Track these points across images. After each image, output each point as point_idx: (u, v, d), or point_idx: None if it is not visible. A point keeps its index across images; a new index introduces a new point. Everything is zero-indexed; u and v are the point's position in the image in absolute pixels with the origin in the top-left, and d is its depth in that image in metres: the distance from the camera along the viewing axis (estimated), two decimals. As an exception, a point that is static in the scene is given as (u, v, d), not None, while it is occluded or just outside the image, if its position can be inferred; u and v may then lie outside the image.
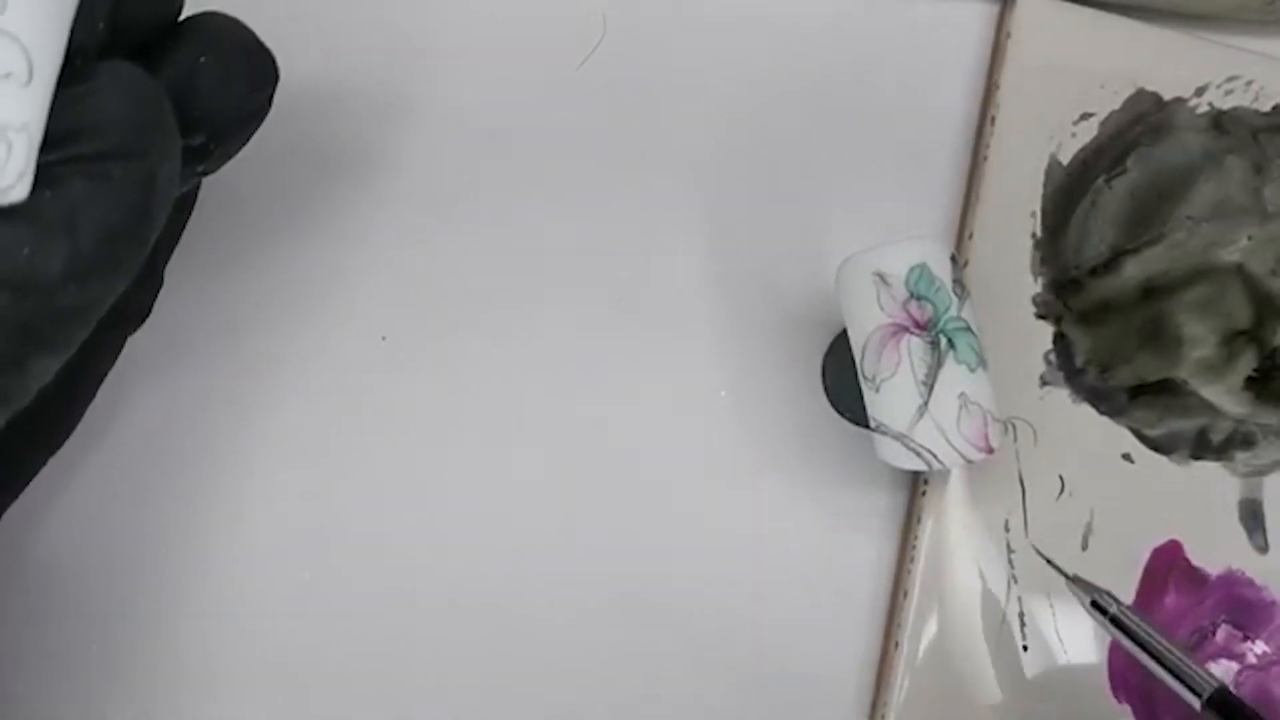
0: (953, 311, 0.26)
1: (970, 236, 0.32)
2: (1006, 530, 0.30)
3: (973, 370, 0.26)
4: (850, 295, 0.27)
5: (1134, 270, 0.32)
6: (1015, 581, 0.30)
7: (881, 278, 0.26)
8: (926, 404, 0.26)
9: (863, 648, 0.31)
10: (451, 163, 0.31)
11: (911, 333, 0.26)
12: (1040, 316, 0.31)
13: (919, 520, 0.30)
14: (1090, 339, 0.31)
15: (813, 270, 0.32)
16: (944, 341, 0.26)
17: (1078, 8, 0.33)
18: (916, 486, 0.31)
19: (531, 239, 0.31)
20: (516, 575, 0.30)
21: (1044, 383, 0.31)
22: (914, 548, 0.30)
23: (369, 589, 0.29)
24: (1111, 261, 0.32)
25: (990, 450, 0.26)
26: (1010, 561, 0.30)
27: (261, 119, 0.22)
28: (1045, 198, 0.32)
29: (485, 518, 0.30)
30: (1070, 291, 0.32)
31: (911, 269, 0.26)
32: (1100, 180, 0.32)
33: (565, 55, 0.32)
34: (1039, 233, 0.32)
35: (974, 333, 0.26)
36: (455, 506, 0.30)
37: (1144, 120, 0.33)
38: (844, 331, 0.27)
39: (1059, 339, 0.31)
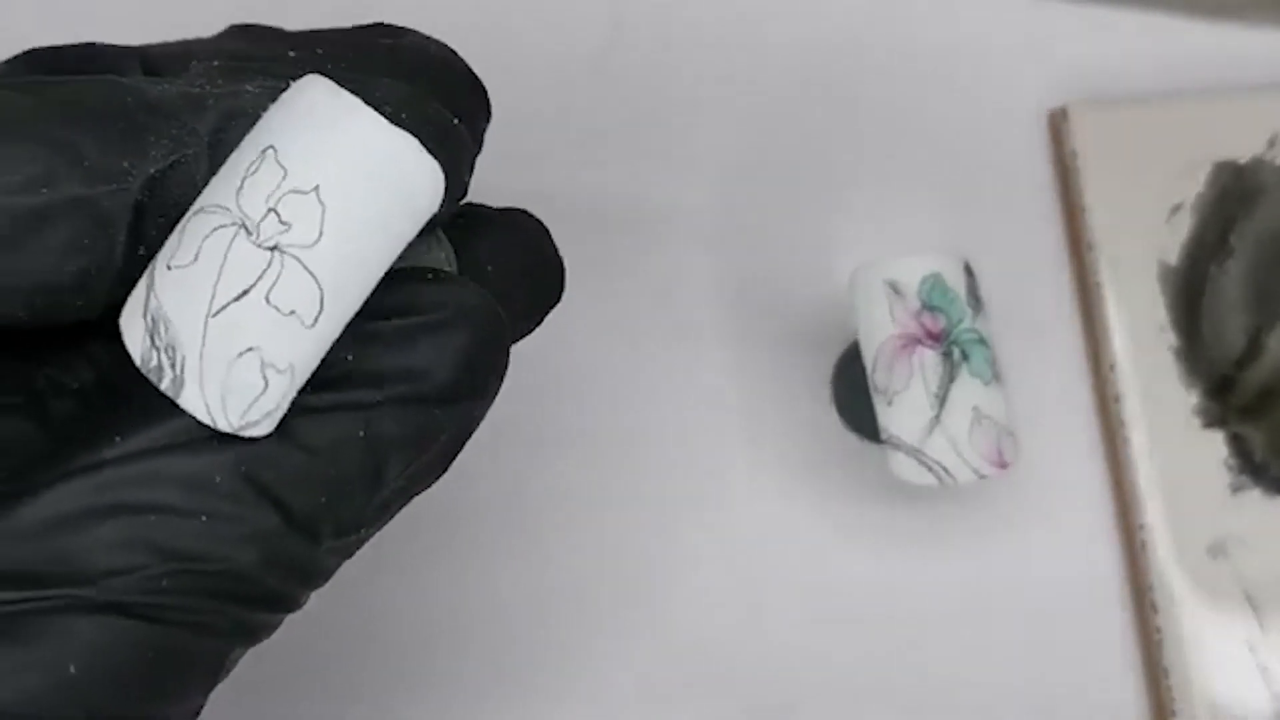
0: (966, 323, 0.26)
1: (1112, 368, 0.31)
2: (1251, 651, 0.30)
3: (986, 384, 0.26)
4: (862, 305, 0.27)
5: (1278, 347, 0.31)
6: (1280, 700, 0.29)
7: (894, 287, 0.26)
8: (939, 417, 0.25)
9: (867, 661, 0.30)
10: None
11: (924, 344, 0.26)
12: (1207, 426, 0.31)
13: (1166, 673, 0.29)
14: (1262, 430, 0.31)
15: (825, 280, 0.32)
16: (957, 354, 0.26)
17: (1126, 104, 0.33)
18: (1150, 637, 0.30)
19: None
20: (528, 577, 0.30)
21: (1234, 490, 0.30)
22: (1171, 697, 0.29)
23: None
24: (1253, 346, 0.31)
25: (1004, 465, 0.26)
26: (1266, 682, 0.29)
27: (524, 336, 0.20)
28: (1168, 306, 0.31)
29: (493, 518, 0.30)
30: (1226, 390, 0.31)
31: (924, 279, 0.26)
32: (1212, 268, 0.32)
33: (576, 55, 0.32)
34: (1176, 343, 0.31)
35: (988, 345, 0.26)
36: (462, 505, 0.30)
37: (1231, 193, 0.32)
38: (855, 343, 0.27)
39: (1233, 441, 0.31)
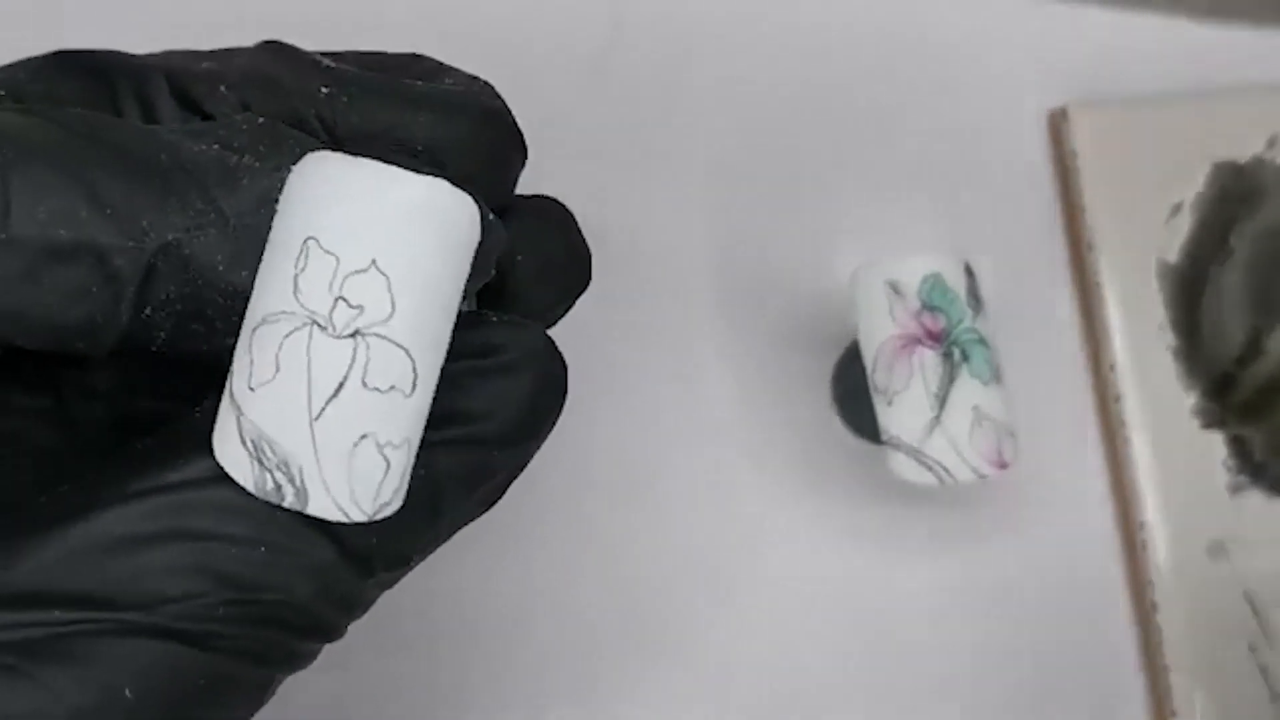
0: (967, 323, 0.26)
1: (1112, 368, 0.31)
2: (1252, 651, 0.30)
3: (986, 384, 0.26)
4: (862, 305, 0.27)
5: (1278, 348, 0.31)
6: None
7: (894, 287, 0.26)
8: (939, 417, 0.26)
9: (869, 662, 0.30)
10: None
11: (924, 344, 0.26)
12: (1207, 426, 0.31)
13: (1166, 672, 0.30)
14: (1262, 430, 0.31)
15: (825, 280, 0.32)
16: (957, 354, 0.26)
17: (1126, 104, 0.33)
18: (1150, 636, 0.30)
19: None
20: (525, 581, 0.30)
21: (1234, 490, 0.31)
22: (1171, 697, 0.29)
23: None
24: (1253, 346, 0.31)
25: (1004, 465, 0.26)
26: (1267, 682, 0.29)
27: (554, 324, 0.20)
28: (1167, 305, 0.31)
29: (487, 520, 0.30)
30: (1226, 390, 0.31)
31: (925, 279, 0.26)
32: (1212, 269, 0.32)
33: (576, 55, 0.32)
34: (1175, 343, 0.31)
35: (988, 345, 0.26)
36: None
37: (1231, 193, 0.32)
38: (855, 343, 0.27)
39: (1233, 441, 0.31)
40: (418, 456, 0.16)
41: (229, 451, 0.15)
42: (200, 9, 0.31)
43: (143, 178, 0.15)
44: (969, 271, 0.26)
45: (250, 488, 0.15)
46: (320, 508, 0.15)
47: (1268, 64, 0.34)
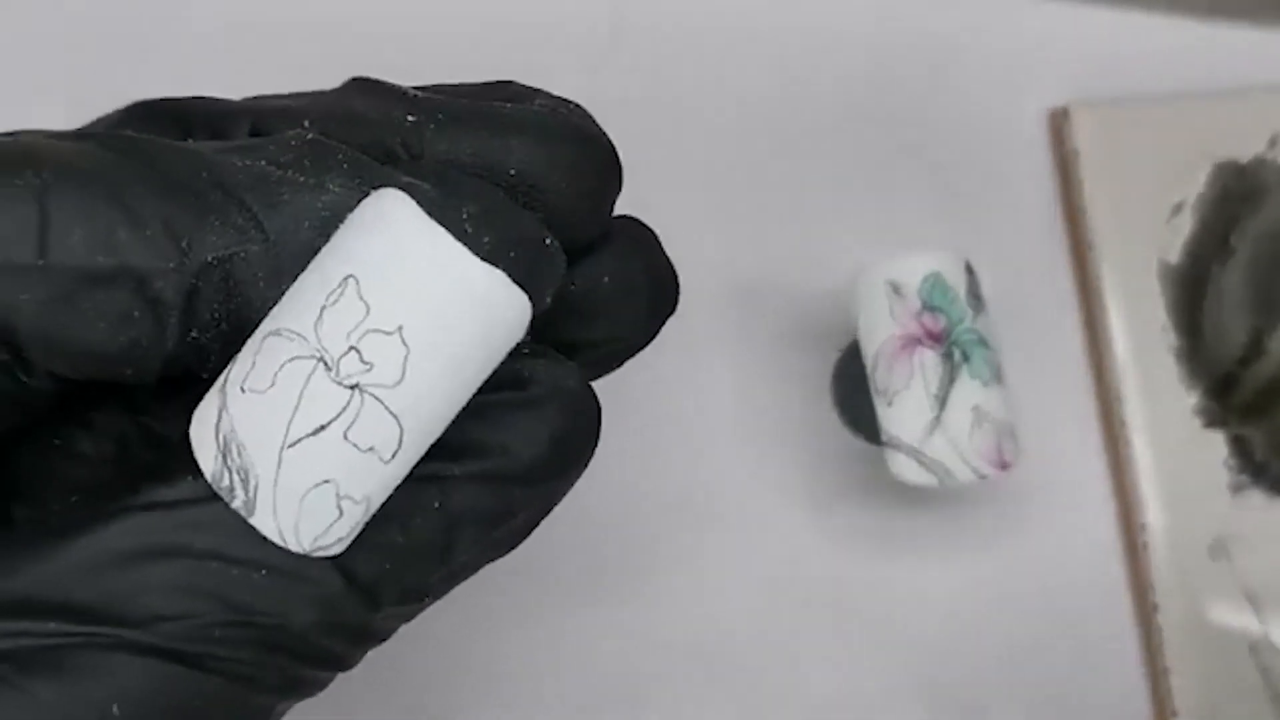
0: (967, 323, 0.26)
1: (1113, 369, 0.31)
2: (1253, 652, 0.30)
3: (987, 384, 0.26)
4: (863, 305, 0.27)
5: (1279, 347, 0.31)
6: (1281, 701, 0.29)
7: (894, 287, 0.26)
8: (939, 418, 0.25)
9: (868, 662, 0.30)
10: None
11: (924, 345, 0.26)
12: (1208, 426, 0.31)
13: (1168, 673, 0.29)
14: (1263, 430, 0.31)
15: (825, 279, 0.32)
16: (958, 354, 0.26)
17: (1127, 103, 0.33)
18: (1151, 637, 0.30)
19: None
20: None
21: (1235, 490, 0.30)
22: (1172, 697, 0.29)
23: None
24: (1255, 346, 0.31)
25: (1005, 466, 0.26)
26: (1268, 682, 0.29)
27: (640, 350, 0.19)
28: (1169, 305, 0.31)
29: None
30: (1227, 390, 0.31)
31: (925, 278, 0.26)
32: (1214, 268, 0.32)
33: (575, 55, 0.32)
34: (1177, 343, 0.31)
35: (989, 346, 0.26)
36: None
37: (1233, 193, 0.32)
38: (856, 343, 0.27)
39: (1234, 441, 0.31)
40: (434, 489, 0.16)
41: (204, 437, 0.15)
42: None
43: (183, 196, 0.15)
44: (969, 270, 0.26)
45: (208, 476, 0.15)
46: (261, 525, 0.15)
47: (1269, 64, 0.34)
